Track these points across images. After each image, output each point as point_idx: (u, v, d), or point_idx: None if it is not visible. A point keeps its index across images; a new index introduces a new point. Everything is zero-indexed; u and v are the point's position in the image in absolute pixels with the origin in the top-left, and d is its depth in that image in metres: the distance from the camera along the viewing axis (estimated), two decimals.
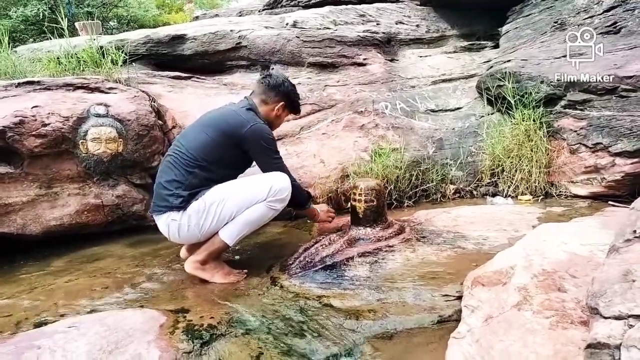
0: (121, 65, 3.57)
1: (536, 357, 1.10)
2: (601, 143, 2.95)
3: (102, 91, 3.10)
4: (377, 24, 4.81)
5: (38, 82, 2.97)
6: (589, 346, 0.88)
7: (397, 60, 4.66)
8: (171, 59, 4.22)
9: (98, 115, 2.84)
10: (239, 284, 2.05)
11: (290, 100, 2.39)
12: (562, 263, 1.47)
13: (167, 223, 2.06)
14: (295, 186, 2.25)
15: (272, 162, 2.22)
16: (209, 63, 4.28)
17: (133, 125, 2.94)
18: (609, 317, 0.89)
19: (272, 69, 4.26)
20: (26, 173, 2.65)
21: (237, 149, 2.14)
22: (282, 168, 2.24)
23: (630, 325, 0.83)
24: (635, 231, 1.14)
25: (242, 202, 2.06)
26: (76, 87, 3.05)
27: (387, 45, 4.70)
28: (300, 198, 2.34)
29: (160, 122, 3.16)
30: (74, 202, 2.78)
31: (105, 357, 1.34)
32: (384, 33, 4.69)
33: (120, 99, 3.03)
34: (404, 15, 5.05)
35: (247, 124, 2.12)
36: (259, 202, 2.07)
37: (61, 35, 3.93)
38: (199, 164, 2.07)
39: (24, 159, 2.64)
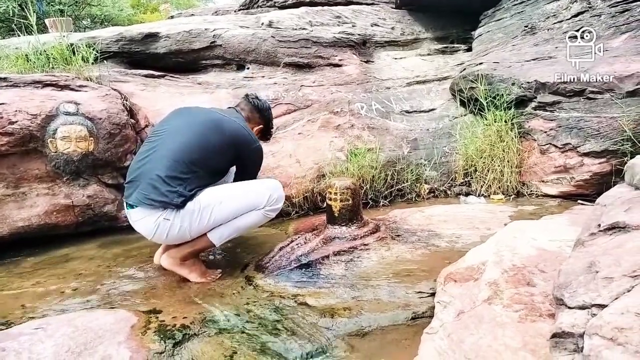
0: (92, 63, 3.49)
1: (505, 349, 1.12)
2: (570, 143, 3.04)
3: (72, 89, 3.02)
4: (353, 26, 4.84)
5: (5, 79, 2.87)
6: (554, 335, 0.90)
7: (373, 61, 4.70)
8: (144, 57, 4.15)
9: (68, 114, 2.77)
10: (213, 284, 2.03)
11: (267, 128, 2.55)
12: (531, 258, 1.51)
13: (158, 222, 1.94)
14: None
15: (252, 175, 2.35)
16: (183, 62, 4.23)
17: (104, 123, 2.88)
18: (574, 307, 0.91)
19: (248, 69, 4.24)
20: None
21: (234, 159, 2.22)
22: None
23: (593, 314, 0.85)
24: (599, 225, 1.18)
25: (241, 207, 2.06)
26: (45, 85, 2.96)
27: (363, 46, 4.74)
28: None
29: (132, 120, 3.10)
30: (42, 202, 2.70)
31: (73, 359, 1.30)
32: (359, 35, 4.72)
33: (91, 97, 2.97)
34: (379, 18, 5.09)
35: (255, 142, 2.25)
36: (257, 209, 2.09)
37: (30, 33, 3.82)
38: (202, 164, 2.03)
39: None
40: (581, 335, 0.84)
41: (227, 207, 2.02)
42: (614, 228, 1.14)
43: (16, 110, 2.62)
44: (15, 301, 1.93)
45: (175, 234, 1.99)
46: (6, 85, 2.84)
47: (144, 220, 1.97)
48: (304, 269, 2.07)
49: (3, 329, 1.58)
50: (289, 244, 2.31)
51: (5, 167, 2.61)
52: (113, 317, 1.60)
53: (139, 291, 2.00)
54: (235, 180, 2.36)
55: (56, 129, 2.71)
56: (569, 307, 0.92)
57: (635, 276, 0.88)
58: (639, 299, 0.82)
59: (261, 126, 2.50)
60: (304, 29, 4.53)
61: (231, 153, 2.16)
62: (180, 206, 1.94)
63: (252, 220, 2.12)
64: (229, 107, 2.50)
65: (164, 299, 1.89)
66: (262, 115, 2.48)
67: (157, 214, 1.94)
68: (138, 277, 2.18)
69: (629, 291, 0.85)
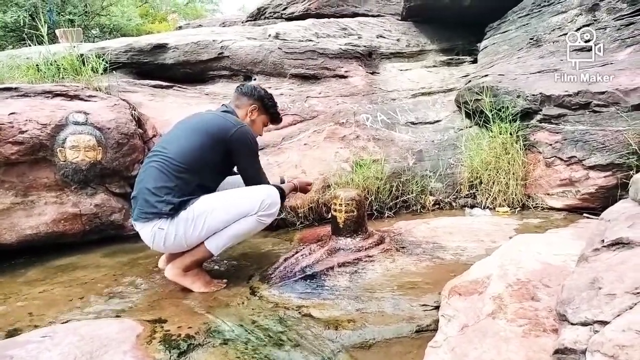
0: (101, 74, 3.54)
1: None
2: (575, 156, 3.04)
3: (81, 99, 3.07)
4: (359, 38, 4.89)
5: (16, 89, 2.93)
6: (556, 352, 0.91)
7: (378, 73, 4.73)
8: (153, 67, 4.20)
9: (77, 123, 2.81)
10: (218, 294, 2.04)
11: (263, 104, 2.41)
12: (536, 273, 1.51)
13: (154, 232, 1.99)
14: None
15: (253, 166, 2.25)
16: (191, 73, 4.28)
17: (113, 133, 2.92)
18: (576, 324, 0.92)
19: (254, 79, 4.29)
20: (1, 181, 2.61)
21: (223, 152, 2.13)
22: (261, 173, 2.28)
23: (596, 330, 0.86)
24: (603, 241, 1.18)
25: (233, 214, 2.05)
26: (55, 95, 3.01)
27: (369, 58, 4.77)
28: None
29: (140, 130, 3.14)
30: (50, 210, 2.73)
31: None
32: (365, 46, 4.76)
33: (100, 107, 3.01)
34: (385, 30, 5.13)
35: (235, 126, 2.13)
36: (250, 215, 2.06)
37: (41, 43, 3.89)
38: (187, 169, 2.03)
39: None
40: (583, 352, 0.85)
41: (220, 214, 2.03)
42: (618, 244, 1.15)
43: (26, 120, 2.66)
44: (22, 309, 1.94)
45: (172, 242, 2.01)
46: (17, 95, 2.90)
47: (142, 231, 2.05)
48: (308, 280, 2.08)
49: (10, 337, 1.60)
50: (293, 255, 2.32)
51: (14, 176, 2.65)
52: (118, 326, 1.61)
53: (145, 300, 2.01)
54: (241, 174, 2.31)
55: (65, 139, 2.75)
56: (572, 323, 0.93)
57: (638, 293, 0.89)
58: None
59: (255, 105, 2.38)
60: (310, 40, 4.57)
61: (218, 149, 2.11)
62: (171, 214, 1.97)
63: (246, 227, 2.09)
64: (222, 104, 2.44)
65: (170, 308, 1.89)
66: (250, 96, 2.38)
67: (151, 224, 1.99)
68: (144, 286, 2.19)
69: (631, 308, 0.86)
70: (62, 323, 1.75)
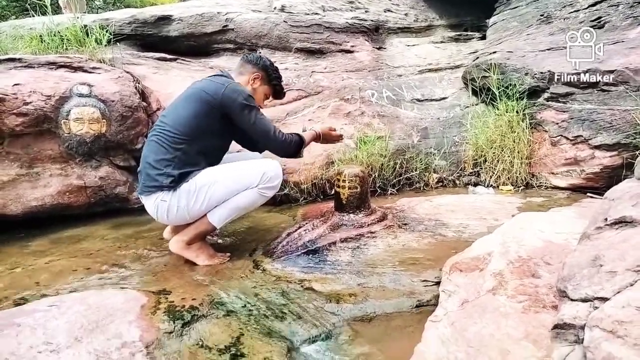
0: (105, 45, 3.51)
1: (507, 339, 1.14)
2: (582, 136, 3.01)
3: (85, 71, 3.05)
4: (366, 12, 4.81)
5: (19, 60, 2.91)
6: (555, 326, 0.92)
7: (385, 48, 4.66)
8: (157, 40, 4.16)
9: (81, 95, 2.80)
10: (221, 267, 2.06)
11: (267, 75, 2.33)
12: (537, 250, 1.51)
13: (156, 204, 2.03)
14: (287, 142, 2.21)
15: (256, 120, 2.12)
16: (195, 45, 4.23)
17: (117, 106, 2.91)
18: (576, 300, 0.93)
19: (259, 52, 4.24)
20: (7, 152, 2.62)
21: (219, 115, 2.08)
22: (267, 127, 2.16)
23: (595, 307, 0.87)
24: (606, 219, 1.18)
25: (234, 186, 2.05)
26: (59, 66, 3.00)
27: (375, 33, 4.70)
28: (296, 148, 2.26)
29: (144, 103, 3.13)
30: (55, 182, 2.75)
31: (85, 335, 1.34)
32: (372, 21, 4.68)
33: (104, 79, 2.99)
34: (393, 4, 5.04)
35: (223, 86, 2.07)
36: (251, 188, 2.06)
37: (44, 13, 3.84)
38: (185, 139, 2.03)
39: (4, 137, 2.60)
40: (582, 327, 0.86)
41: (222, 186, 2.03)
42: (621, 222, 1.15)
43: (31, 91, 2.66)
44: (29, 279, 1.97)
45: (174, 215, 2.04)
46: (21, 66, 2.88)
47: (147, 204, 2.09)
48: (311, 255, 2.10)
49: (18, 306, 1.63)
50: (296, 230, 2.33)
51: (19, 147, 2.65)
52: (124, 297, 1.64)
53: (149, 272, 2.03)
54: (249, 135, 2.24)
55: (69, 111, 2.75)
56: (572, 300, 0.94)
57: (639, 271, 0.89)
58: None
59: (258, 74, 2.30)
60: (316, 13, 4.50)
61: (214, 115, 2.07)
62: (172, 187, 1.99)
63: (247, 200, 2.08)
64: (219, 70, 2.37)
65: (174, 280, 1.92)
66: (254, 64, 2.30)
67: (154, 197, 2.03)
68: (148, 257, 2.22)
69: (631, 285, 0.86)
70: (69, 293, 1.78)
